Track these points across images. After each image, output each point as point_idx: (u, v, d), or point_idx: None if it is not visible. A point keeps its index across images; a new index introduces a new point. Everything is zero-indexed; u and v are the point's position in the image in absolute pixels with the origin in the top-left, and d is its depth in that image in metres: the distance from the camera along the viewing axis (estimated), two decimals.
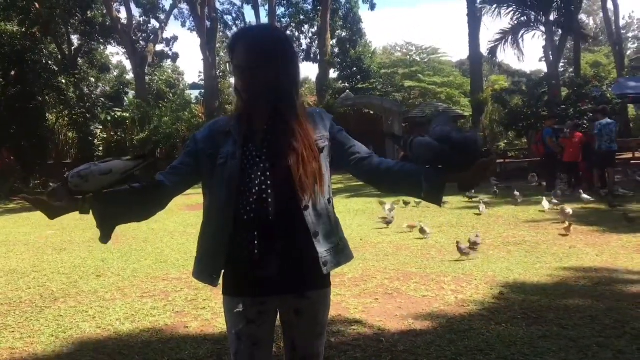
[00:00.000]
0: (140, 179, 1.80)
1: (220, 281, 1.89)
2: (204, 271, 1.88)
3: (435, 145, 1.75)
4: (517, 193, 10.95)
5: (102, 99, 24.55)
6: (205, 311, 4.60)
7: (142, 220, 1.90)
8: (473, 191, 10.95)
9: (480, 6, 23.90)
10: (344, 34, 33.25)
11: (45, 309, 4.94)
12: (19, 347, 3.98)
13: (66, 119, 23.11)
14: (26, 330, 4.37)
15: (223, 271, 1.84)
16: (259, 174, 1.78)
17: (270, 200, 1.76)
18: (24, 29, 21.56)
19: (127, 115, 22.14)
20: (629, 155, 18.51)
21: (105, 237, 1.83)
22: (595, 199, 10.20)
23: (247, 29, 1.99)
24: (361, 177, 1.95)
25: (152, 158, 1.85)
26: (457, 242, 6.30)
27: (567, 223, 7.55)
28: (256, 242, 1.76)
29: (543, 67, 33.73)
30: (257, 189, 1.76)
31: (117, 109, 22.96)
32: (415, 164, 1.84)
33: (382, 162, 1.90)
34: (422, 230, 7.58)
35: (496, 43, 24.38)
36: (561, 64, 31.81)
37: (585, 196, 10.04)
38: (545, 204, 9.44)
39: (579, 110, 16.40)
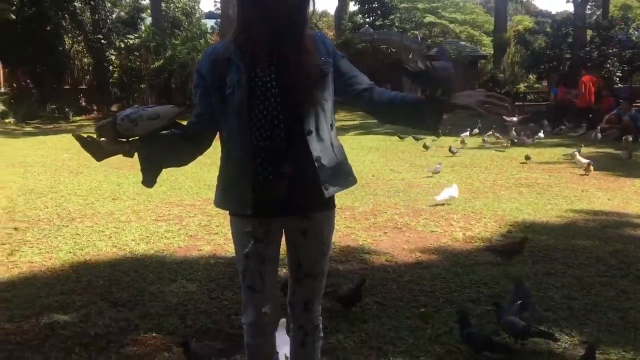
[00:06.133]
0: (180, 126, 1.83)
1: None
2: (232, 200, 1.90)
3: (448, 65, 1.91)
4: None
5: (117, 24, 24.10)
6: (218, 236, 4.72)
7: (182, 165, 1.95)
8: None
9: None
10: None
11: (63, 227, 5.09)
12: (38, 262, 4.15)
13: (82, 43, 22.88)
14: (44, 246, 4.52)
15: (242, 194, 1.84)
16: (271, 99, 1.77)
17: (281, 125, 1.77)
18: None
19: (141, 42, 21.82)
20: None
21: (149, 181, 1.87)
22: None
23: None
24: (362, 107, 1.98)
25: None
26: None
27: (590, 166, 7.62)
28: (270, 168, 1.79)
29: (570, 9, 32.58)
30: (269, 116, 1.77)
31: (131, 36, 22.58)
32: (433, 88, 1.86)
33: (383, 93, 1.91)
34: None
35: None
36: (589, 7, 30.63)
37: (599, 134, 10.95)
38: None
39: (604, 54, 15.91)
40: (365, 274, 3.66)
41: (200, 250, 4.38)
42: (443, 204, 5.80)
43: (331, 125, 1.89)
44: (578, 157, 8.15)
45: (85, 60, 23.05)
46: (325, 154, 1.84)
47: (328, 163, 1.85)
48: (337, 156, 1.91)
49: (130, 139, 1.76)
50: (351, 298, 3.17)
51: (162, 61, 21.00)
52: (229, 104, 1.80)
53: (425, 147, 10.04)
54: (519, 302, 2.94)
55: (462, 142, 10.61)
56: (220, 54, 1.84)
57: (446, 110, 1.86)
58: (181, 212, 5.61)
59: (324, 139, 1.84)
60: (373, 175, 7.76)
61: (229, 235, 4.55)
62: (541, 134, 11.39)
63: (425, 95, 1.86)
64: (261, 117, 1.77)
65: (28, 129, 16.62)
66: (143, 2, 27.89)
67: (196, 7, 31.83)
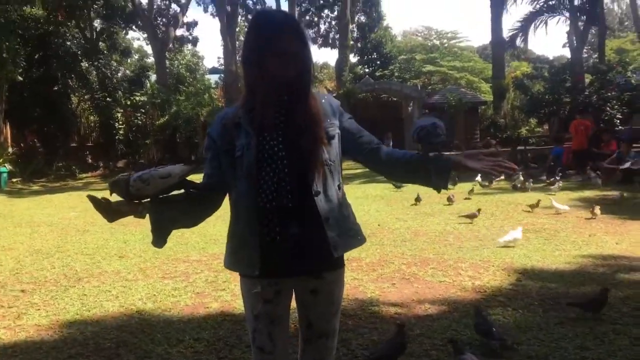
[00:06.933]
0: (191, 185, 1.86)
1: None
2: (241, 262, 1.91)
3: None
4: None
5: (123, 82, 24.69)
6: (225, 292, 4.69)
7: (192, 226, 1.96)
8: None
9: None
10: (363, 18, 33.04)
11: (70, 288, 5.08)
12: (45, 324, 4.11)
13: (88, 102, 23.39)
14: (51, 308, 4.50)
15: (251, 255, 1.86)
16: (278, 162, 1.81)
17: (289, 187, 1.81)
18: (47, 13, 21.77)
19: (147, 99, 22.29)
20: None
21: (160, 241, 1.88)
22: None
23: (271, 15, 1.93)
24: (372, 167, 2.02)
25: (203, 164, 1.92)
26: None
27: (596, 208, 7.67)
28: (277, 229, 1.81)
29: (566, 53, 33.17)
30: (276, 178, 1.80)
31: (138, 93, 23.10)
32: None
33: (390, 153, 1.97)
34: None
35: (516, 31, 23.94)
36: (585, 50, 31.18)
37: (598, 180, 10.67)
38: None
39: (603, 97, 16.13)
40: (401, 320, 3.66)
41: (208, 307, 4.35)
42: (508, 246, 6.01)
43: (339, 186, 1.92)
44: (554, 203, 8.17)
45: (92, 118, 23.51)
46: (333, 215, 1.87)
47: (336, 223, 1.87)
48: (346, 216, 1.94)
49: (142, 200, 1.80)
50: (397, 351, 3.10)
51: (167, 117, 21.38)
52: (238, 166, 1.84)
53: (418, 199, 9.52)
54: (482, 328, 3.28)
55: (471, 191, 10.26)
56: (230, 119, 1.90)
57: (454, 169, 1.90)
58: (188, 269, 5.60)
59: (332, 199, 1.87)
60: (379, 225, 7.76)
61: (236, 291, 4.55)
62: (544, 178, 11.46)
63: (426, 154, 1.92)
64: (268, 180, 1.81)
65: (35, 187, 16.79)
66: (148, 61, 28.61)
67: (200, 64, 32.63)
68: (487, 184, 11.20)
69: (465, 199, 9.74)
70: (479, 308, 3.53)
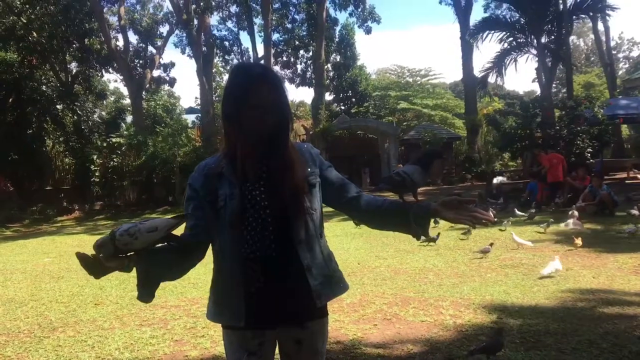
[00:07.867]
0: (175, 239, 1.84)
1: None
2: (225, 313, 1.89)
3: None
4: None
5: (99, 125, 24.59)
6: (205, 339, 4.61)
7: (178, 277, 1.93)
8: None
9: (472, 29, 24.24)
10: (338, 58, 33.66)
11: (44, 338, 4.93)
12: None
13: (63, 145, 23.18)
14: None
15: (235, 306, 1.84)
16: (261, 212, 1.82)
17: (272, 237, 1.82)
18: (21, 57, 21.74)
19: (123, 141, 22.18)
20: (624, 175, 18.64)
21: (147, 296, 1.84)
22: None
23: (248, 68, 1.94)
24: (352, 215, 2.05)
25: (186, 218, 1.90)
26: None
27: (577, 238, 7.87)
28: (262, 279, 1.81)
29: (536, 88, 34.16)
30: (259, 227, 1.82)
31: (114, 135, 23.00)
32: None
33: (370, 201, 1.98)
34: None
35: (487, 71, 24.59)
36: (554, 85, 32.15)
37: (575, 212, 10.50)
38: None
39: (573, 131, 16.55)
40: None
41: (187, 356, 4.25)
42: (549, 277, 6.13)
43: (320, 234, 1.93)
44: (515, 237, 8.30)
45: (67, 160, 23.27)
46: (315, 263, 1.88)
47: (319, 272, 1.88)
48: (327, 264, 1.94)
49: (128, 254, 1.78)
50: None
51: (143, 158, 21.26)
52: (221, 216, 1.84)
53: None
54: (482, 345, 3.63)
55: (467, 232, 9.59)
56: (212, 169, 1.91)
57: (432, 216, 1.90)
58: (166, 315, 5.49)
59: (314, 248, 1.88)
60: (359, 263, 7.74)
61: (216, 337, 4.47)
62: (517, 212, 11.57)
63: (402, 199, 1.94)
64: (251, 230, 1.82)
65: (8, 233, 16.45)
66: (124, 102, 28.59)
67: (177, 104, 32.70)
68: (465, 238, 10.56)
69: (461, 239, 9.54)
70: (501, 330, 3.93)
